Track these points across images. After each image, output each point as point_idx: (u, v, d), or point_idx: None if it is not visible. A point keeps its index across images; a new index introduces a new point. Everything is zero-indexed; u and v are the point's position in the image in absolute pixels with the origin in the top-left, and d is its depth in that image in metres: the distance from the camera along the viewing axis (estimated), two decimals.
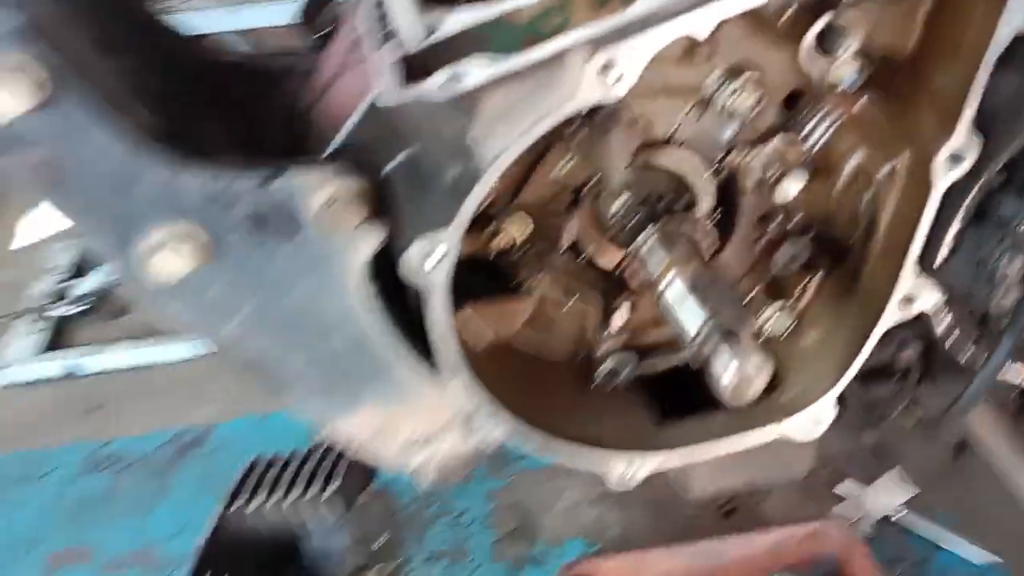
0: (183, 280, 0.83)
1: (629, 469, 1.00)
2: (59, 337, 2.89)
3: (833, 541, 1.84)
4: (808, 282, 0.99)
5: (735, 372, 0.74)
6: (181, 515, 2.02)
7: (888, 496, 1.95)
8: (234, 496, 1.46)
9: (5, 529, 2.03)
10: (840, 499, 2.04)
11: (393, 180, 0.86)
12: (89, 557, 1.96)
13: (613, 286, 0.98)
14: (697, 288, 0.82)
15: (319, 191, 0.83)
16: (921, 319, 0.98)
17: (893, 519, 1.99)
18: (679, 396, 1.07)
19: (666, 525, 2.07)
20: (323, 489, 1.49)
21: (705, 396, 1.06)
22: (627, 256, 0.95)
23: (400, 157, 0.85)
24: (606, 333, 1.00)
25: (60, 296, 3.06)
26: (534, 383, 1.03)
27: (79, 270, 3.20)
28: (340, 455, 1.57)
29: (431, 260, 0.82)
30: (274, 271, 0.87)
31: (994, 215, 0.92)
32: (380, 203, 0.87)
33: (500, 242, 0.94)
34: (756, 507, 2.11)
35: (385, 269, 0.93)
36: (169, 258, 0.81)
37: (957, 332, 0.96)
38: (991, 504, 1.09)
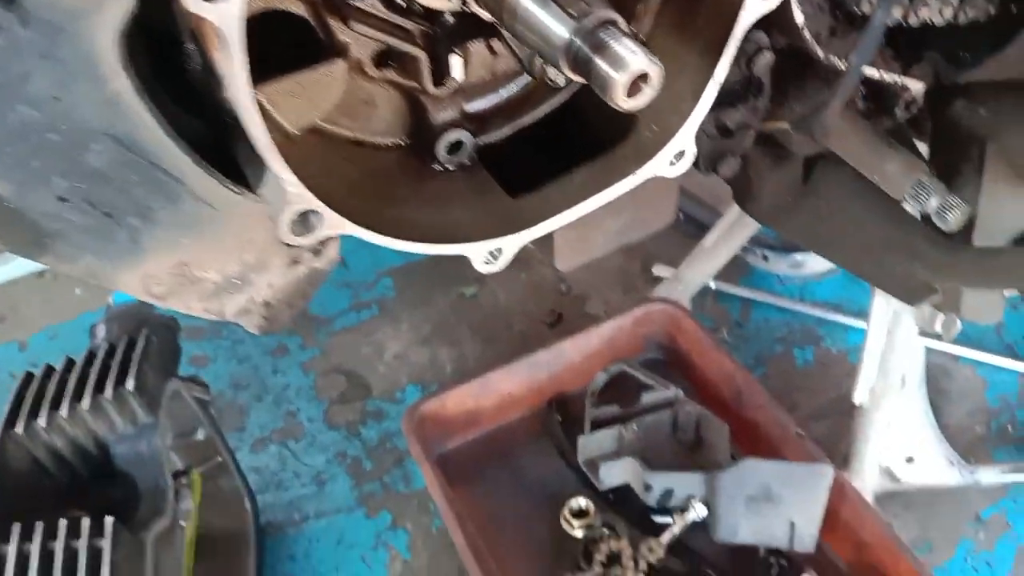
0: None
1: (496, 250, 0.87)
2: None
3: (660, 318, 1.87)
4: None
5: (628, 64, 0.62)
6: None
7: (701, 266, 1.99)
8: (12, 418, 1.19)
9: None
10: (657, 281, 2.07)
11: None
12: None
13: (442, 34, 0.81)
14: None
15: None
16: (774, 25, 0.90)
17: (710, 288, 2.05)
18: (523, 171, 0.94)
19: (497, 349, 2.01)
20: (118, 389, 1.25)
21: (553, 164, 0.95)
22: None
23: None
24: (441, 92, 0.83)
25: None
26: (366, 176, 0.86)
27: None
28: (131, 347, 1.32)
29: None
30: None
31: None
32: None
33: None
34: (580, 310, 2.09)
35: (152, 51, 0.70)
36: None
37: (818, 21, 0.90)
38: (845, 217, 1.08)
